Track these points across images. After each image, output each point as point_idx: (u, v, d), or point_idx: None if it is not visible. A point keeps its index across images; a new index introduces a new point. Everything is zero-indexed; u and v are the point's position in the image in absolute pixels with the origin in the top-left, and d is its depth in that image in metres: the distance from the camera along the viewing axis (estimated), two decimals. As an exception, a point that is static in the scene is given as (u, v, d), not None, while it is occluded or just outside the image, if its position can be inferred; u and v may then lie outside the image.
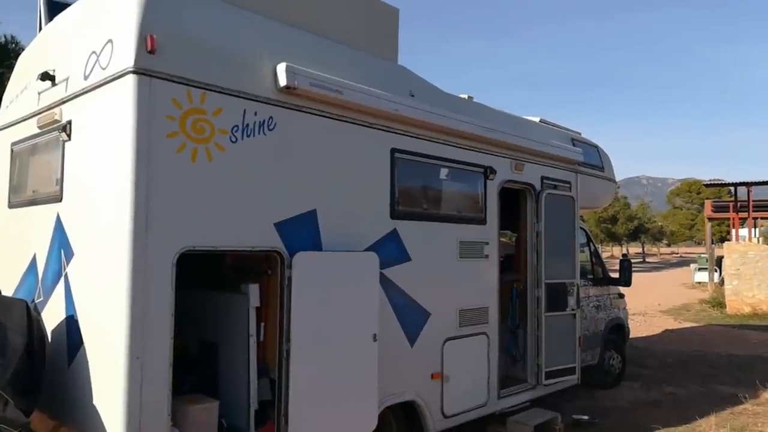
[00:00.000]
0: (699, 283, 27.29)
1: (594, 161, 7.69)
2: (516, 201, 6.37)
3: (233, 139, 3.67)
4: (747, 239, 21.90)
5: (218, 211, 3.60)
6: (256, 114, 3.79)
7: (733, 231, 21.77)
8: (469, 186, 5.58)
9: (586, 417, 6.50)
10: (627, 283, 8.05)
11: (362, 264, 4.38)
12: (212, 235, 3.59)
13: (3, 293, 4.26)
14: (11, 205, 4.66)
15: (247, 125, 3.74)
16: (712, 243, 26.44)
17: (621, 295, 8.61)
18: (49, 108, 4.08)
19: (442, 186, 5.39)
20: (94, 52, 3.62)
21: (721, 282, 19.93)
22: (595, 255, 8.22)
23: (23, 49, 4.95)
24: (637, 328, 13.29)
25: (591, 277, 7.97)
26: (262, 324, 4.09)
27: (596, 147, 7.96)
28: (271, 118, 3.87)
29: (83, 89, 3.69)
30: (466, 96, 5.89)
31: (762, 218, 27.96)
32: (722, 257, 19.03)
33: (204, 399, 3.86)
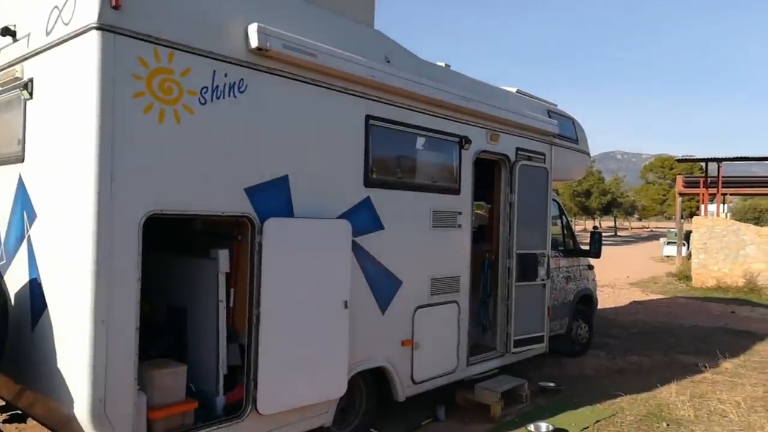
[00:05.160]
0: (668, 256, 27.98)
1: (569, 134, 7.72)
2: (491, 171, 6.38)
3: (202, 101, 3.58)
4: (715, 214, 22.40)
5: (187, 174, 3.53)
6: (226, 75, 3.69)
7: (703, 206, 22.22)
8: (443, 155, 5.56)
9: (552, 384, 6.65)
10: (597, 254, 8.17)
11: (334, 231, 4.36)
12: (180, 198, 3.53)
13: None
14: (-29, 166, 4.50)
15: (217, 87, 3.65)
16: (682, 218, 26.98)
17: (590, 267, 8.76)
18: (10, 65, 3.92)
19: (417, 155, 5.37)
20: (56, 7, 3.47)
21: (689, 256, 20.42)
22: (567, 227, 8.33)
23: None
24: (606, 300, 13.60)
25: (562, 248, 8.09)
26: (232, 290, 4.07)
27: (572, 119, 7.98)
28: (242, 80, 3.78)
29: (45, 46, 3.56)
30: (443, 64, 5.82)
31: (731, 194, 28.60)
32: (691, 232, 19.46)
33: (171, 364, 3.85)
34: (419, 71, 5.14)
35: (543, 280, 6.59)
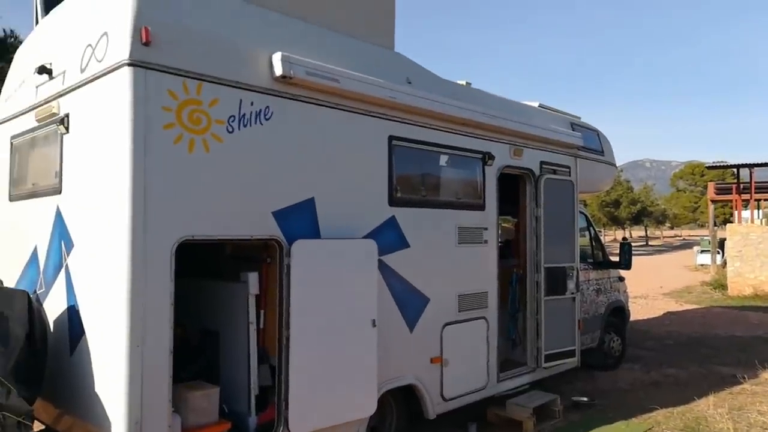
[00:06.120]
0: (701, 265, 27.33)
1: (594, 145, 7.68)
2: (516, 186, 6.38)
3: (230, 129, 3.69)
4: (749, 221, 21.86)
5: (216, 200, 3.64)
6: (252, 104, 3.81)
7: (736, 213, 21.71)
8: (467, 172, 5.59)
9: (585, 398, 6.56)
10: (627, 266, 8.06)
11: (361, 251, 4.42)
12: (211, 224, 3.63)
13: (5, 285, 4.32)
14: (12, 198, 4.70)
15: (244, 115, 3.76)
16: (715, 225, 26.39)
17: (621, 279, 8.64)
18: (47, 101, 4.10)
19: (441, 172, 5.41)
20: (89, 45, 3.64)
21: (724, 264, 19.94)
22: (595, 239, 8.24)
23: (22, 43, 4.96)
24: (639, 311, 13.36)
25: (591, 260, 8.00)
26: (262, 311, 4.15)
27: (596, 131, 7.95)
28: (267, 107, 3.89)
29: (80, 82, 3.72)
30: (464, 82, 5.88)
31: (765, 200, 27.86)
32: (725, 239, 19.03)
33: (205, 385, 3.93)
34: (440, 90, 5.20)
35: (572, 293, 6.53)
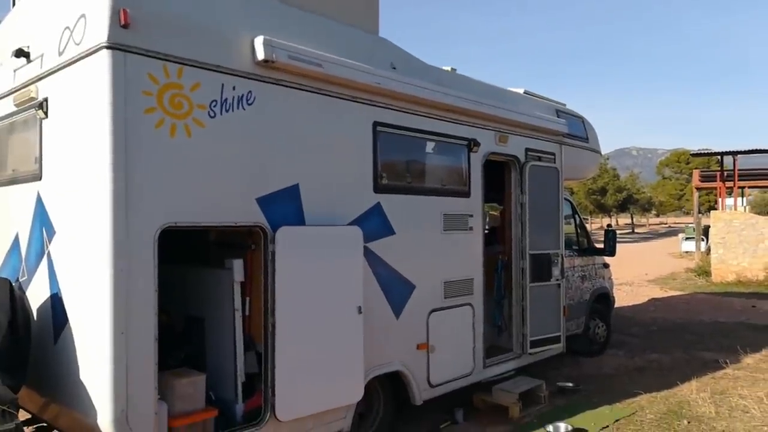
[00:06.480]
0: (686, 252, 27.66)
1: (579, 133, 7.70)
2: (501, 173, 6.39)
3: (212, 114, 3.65)
4: (733, 208, 22.12)
5: (199, 186, 3.61)
6: (234, 88, 3.76)
7: (720, 200, 21.96)
8: (452, 159, 5.59)
9: (570, 384, 6.63)
10: (611, 252, 8.13)
11: (346, 238, 4.41)
12: (194, 211, 3.59)
13: (-13, 273, 4.27)
14: (-8, 185, 4.63)
15: (226, 100, 3.72)
16: (700, 212, 26.67)
17: (606, 265, 8.71)
18: (25, 85, 4.03)
19: (426, 159, 5.41)
20: (67, 28, 3.57)
21: (708, 251, 20.19)
22: (580, 226, 8.30)
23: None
24: (624, 298, 13.50)
25: (576, 247, 8.06)
26: (248, 298, 4.13)
27: (581, 118, 7.97)
28: (250, 92, 3.85)
29: (58, 66, 3.65)
30: (449, 68, 5.86)
31: (749, 187, 28.21)
32: (709, 227, 19.25)
33: (191, 372, 3.91)
34: (425, 76, 5.18)
35: (557, 280, 6.57)
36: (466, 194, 5.61)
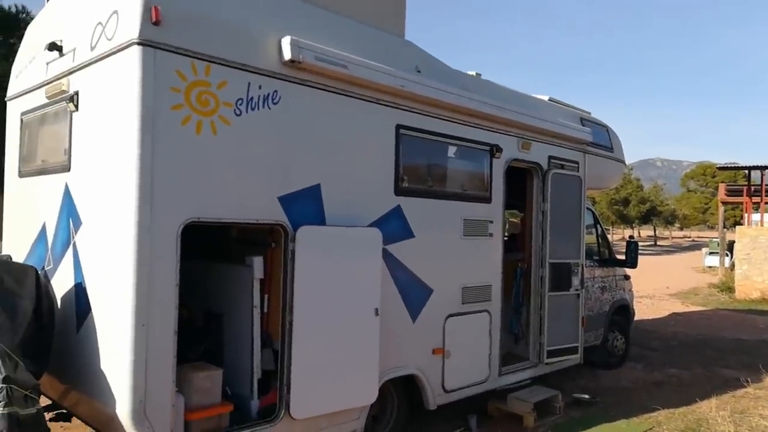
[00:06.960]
0: (709, 267, 27.18)
1: (603, 141, 7.63)
2: (523, 180, 6.36)
3: (237, 112, 3.70)
4: (760, 224, 21.70)
5: (223, 183, 3.65)
6: (260, 87, 3.80)
7: (746, 215, 21.54)
8: (474, 164, 5.57)
9: (586, 396, 6.55)
10: (633, 264, 8.03)
11: (365, 239, 4.42)
12: (217, 207, 3.64)
13: (14, 260, 4.36)
14: (21, 174, 4.74)
15: (252, 98, 3.76)
16: (725, 227, 26.21)
17: (627, 277, 8.60)
18: (57, 78, 4.12)
19: (447, 163, 5.40)
20: (100, 23, 3.65)
21: (732, 266, 19.81)
22: (602, 236, 8.20)
23: (33, 20, 4.98)
24: (644, 311, 13.30)
25: (597, 258, 7.97)
26: (266, 296, 4.16)
27: (606, 127, 7.89)
28: (275, 91, 3.89)
29: (90, 60, 3.73)
30: (473, 73, 5.85)
31: (776, 203, 27.61)
32: (734, 242, 18.90)
33: (208, 367, 3.95)
34: (450, 80, 5.17)
35: (577, 290, 6.51)
36: (487, 200, 5.59)
